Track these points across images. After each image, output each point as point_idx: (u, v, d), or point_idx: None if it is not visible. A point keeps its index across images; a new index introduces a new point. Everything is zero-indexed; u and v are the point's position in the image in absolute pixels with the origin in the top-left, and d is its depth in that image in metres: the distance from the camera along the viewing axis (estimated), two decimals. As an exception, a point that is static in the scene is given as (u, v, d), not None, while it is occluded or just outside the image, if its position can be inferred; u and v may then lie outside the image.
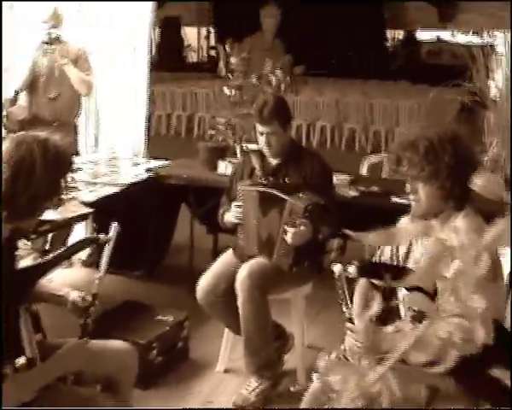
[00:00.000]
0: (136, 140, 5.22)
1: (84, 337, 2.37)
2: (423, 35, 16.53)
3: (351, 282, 2.37)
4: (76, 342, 2.34)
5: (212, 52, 18.83)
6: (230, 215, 3.55)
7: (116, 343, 2.58)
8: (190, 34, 18.55)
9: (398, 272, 2.49)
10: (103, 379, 2.48)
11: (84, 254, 5.18)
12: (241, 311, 3.34)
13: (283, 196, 3.28)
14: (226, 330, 3.65)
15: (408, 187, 2.42)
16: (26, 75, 4.82)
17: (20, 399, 2.09)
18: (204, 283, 3.49)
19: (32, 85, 4.90)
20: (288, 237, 3.24)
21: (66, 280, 4.86)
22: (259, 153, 3.62)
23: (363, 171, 5.24)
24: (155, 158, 5.09)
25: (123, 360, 2.51)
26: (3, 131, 4.82)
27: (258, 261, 3.39)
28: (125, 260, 4.88)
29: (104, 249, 2.56)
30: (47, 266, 2.41)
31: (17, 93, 4.90)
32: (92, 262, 5.09)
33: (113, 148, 5.19)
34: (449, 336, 2.18)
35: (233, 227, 3.60)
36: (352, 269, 2.30)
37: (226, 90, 4.43)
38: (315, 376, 2.54)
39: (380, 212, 3.48)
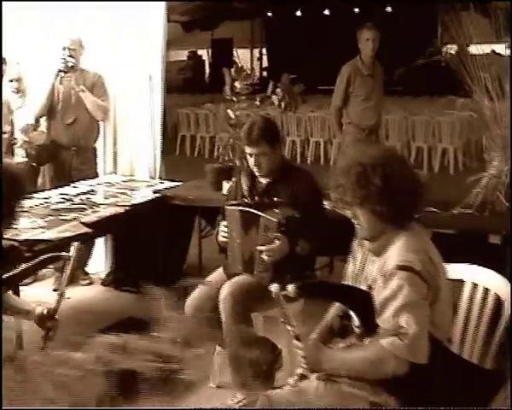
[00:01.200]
0: (153, 162, 5.38)
1: (44, 348, 2.50)
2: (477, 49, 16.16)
3: (292, 300, 2.41)
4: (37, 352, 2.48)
5: (264, 73, 19.11)
6: (220, 235, 3.66)
7: (81, 355, 2.69)
8: (243, 56, 18.85)
9: (343, 291, 2.54)
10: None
11: (103, 274, 5.39)
12: (224, 328, 3.43)
13: (259, 213, 3.36)
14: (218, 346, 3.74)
15: (349, 213, 2.45)
16: (44, 101, 5.07)
17: None
18: (192, 300, 3.60)
19: (50, 111, 5.14)
20: (264, 253, 3.32)
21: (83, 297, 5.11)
22: (251, 173, 3.71)
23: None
24: (171, 180, 5.24)
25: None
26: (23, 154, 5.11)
27: (240, 279, 3.48)
28: (140, 278, 5.07)
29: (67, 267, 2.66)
30: (12, 280, 2.55)
31: (37, 119, 5.15)
32: (110, 281, 5.30)
33: (130, 170, 5.40)
34: (386, 353, 2.24)
35: (225, 246, 3.70)
36: (290, 288, 2.35)
37: (231, 113, 4.54)
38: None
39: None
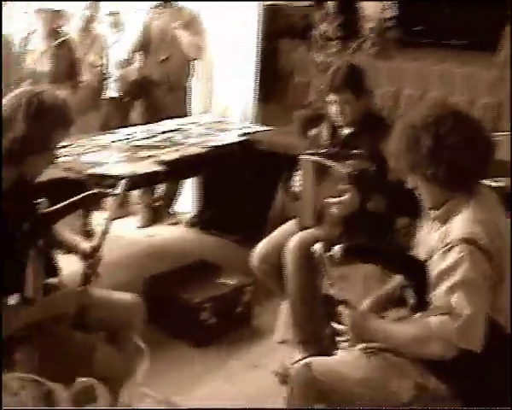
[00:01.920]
0: (248, 106, 5.22)
1: (85, 285, 2.43)
2: None
3: (337, 263, 2.21)
4: (74, 288, 2.42)
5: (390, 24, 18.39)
6: (296, 185, 3.48)
7: (123, 295, 2.62)
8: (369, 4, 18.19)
9: (397, 258, 2.30)
10: (107, 328, 2.55)
11: (189, 215, 5.35)
12: (288, 282, 3.28)
13: (331, 164, 3.14)
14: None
15: (408, 182, 2.19)
16: (139, 37, 5.02)
17: (6, 330, 2.17)
18: (259, 250, 3.48)
19: (144, 47, 5.08)
20: (333, 207, 3.11)
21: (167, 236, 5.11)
22: (333, 122, 3.50)
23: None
24: (264, 125, 5.06)
25: (126, 312, 2.56)
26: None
27: (309, 232, 3.29)
28: (223, 223, 5.00)
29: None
30: (55, 215, 2.46)
31: (131, 55, 5.11)
32: (195, 223, 5.25)
33: (223, 112, 5.27)
34: (434, 332, 1.99)
35: (299, 197, 3.52)
36: (336, 250, 2.14)
37: (317, 58, 4.30)
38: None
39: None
